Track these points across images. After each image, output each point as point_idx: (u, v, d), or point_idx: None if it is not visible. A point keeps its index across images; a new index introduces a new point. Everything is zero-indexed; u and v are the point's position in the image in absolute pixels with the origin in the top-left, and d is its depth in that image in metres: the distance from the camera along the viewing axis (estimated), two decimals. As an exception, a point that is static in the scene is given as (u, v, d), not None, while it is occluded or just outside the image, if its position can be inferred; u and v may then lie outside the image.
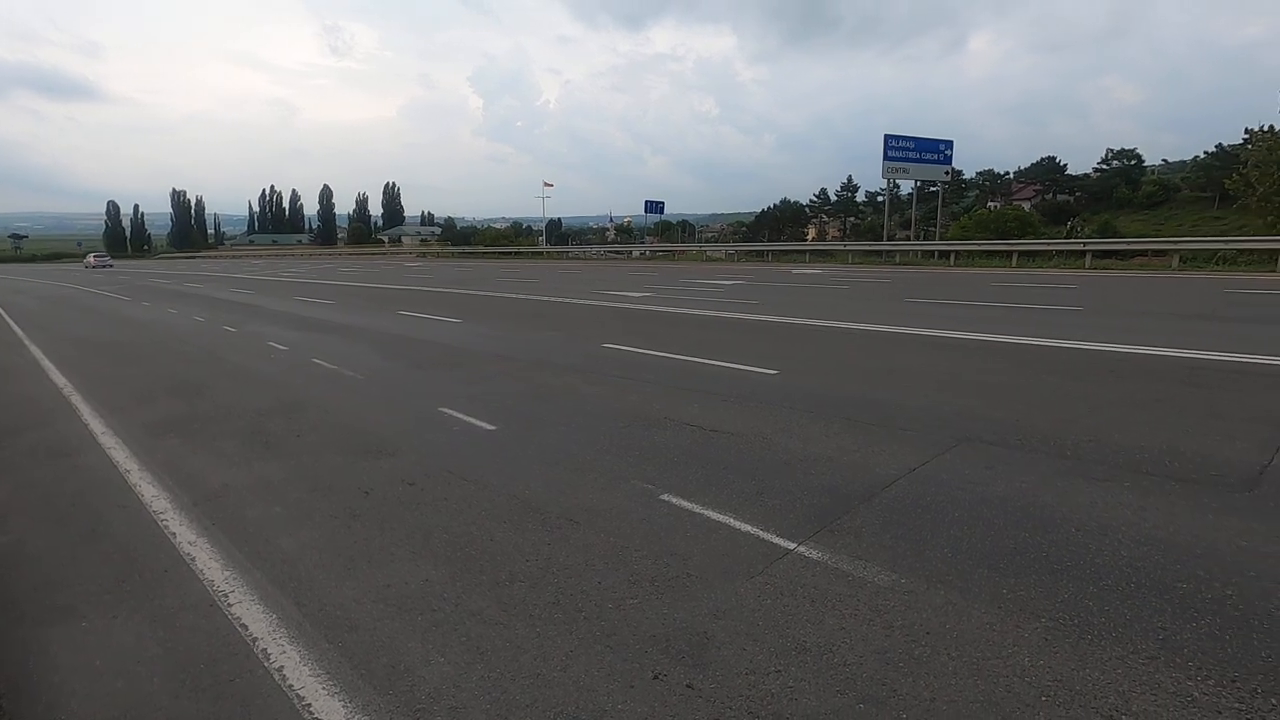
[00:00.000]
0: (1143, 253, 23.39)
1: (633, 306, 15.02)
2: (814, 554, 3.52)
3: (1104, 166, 67.60)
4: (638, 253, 46.11)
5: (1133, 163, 66.33)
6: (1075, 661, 2.60)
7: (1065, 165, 69.99)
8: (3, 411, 7.80)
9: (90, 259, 51.99)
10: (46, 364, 10.63)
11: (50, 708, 2.69)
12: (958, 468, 4.60)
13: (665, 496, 4.32)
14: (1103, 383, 6.74)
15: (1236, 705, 2.34)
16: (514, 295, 19.21)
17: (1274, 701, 2.34)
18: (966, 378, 7.28)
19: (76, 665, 2.95)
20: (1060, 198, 68.13)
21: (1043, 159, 71.24)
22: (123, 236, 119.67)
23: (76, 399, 8.05)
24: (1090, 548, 3.43)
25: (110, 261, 45.34)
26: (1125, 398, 6.15)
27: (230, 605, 3.33)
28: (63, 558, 3.98)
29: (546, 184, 54.74)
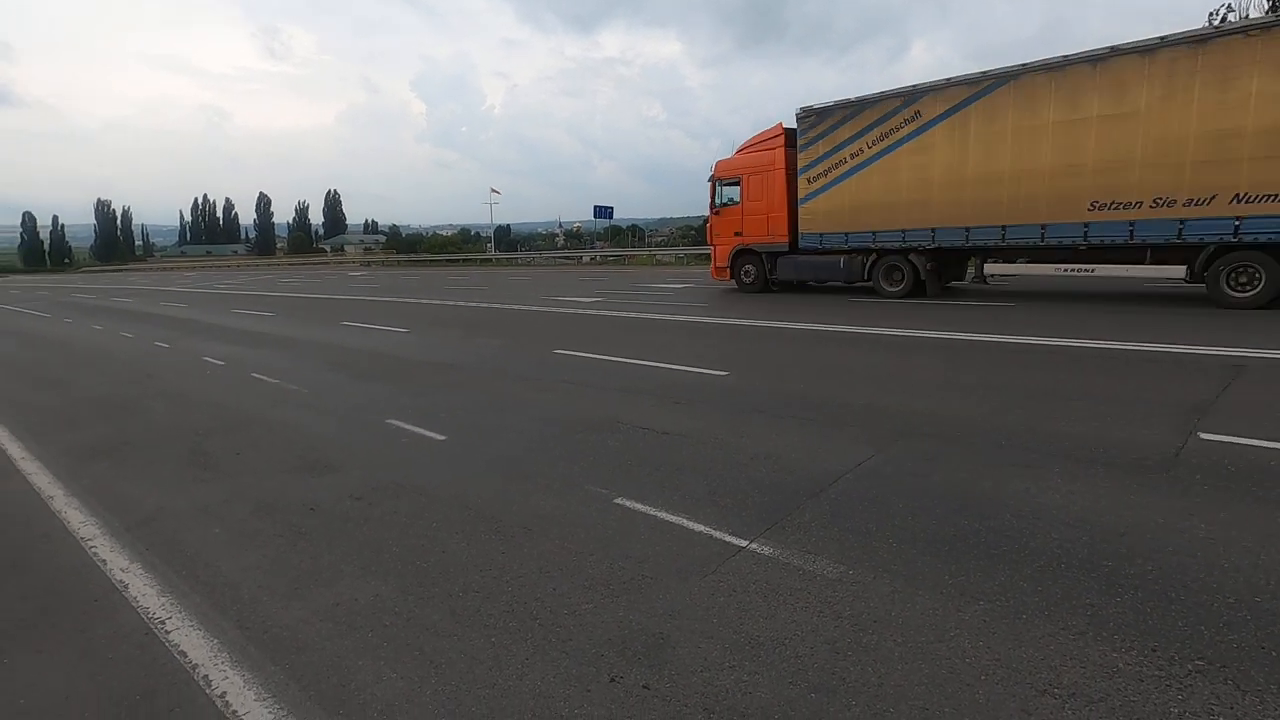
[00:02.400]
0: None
1: (584, 312, 15.00)
2: (765, 550, 3.59)
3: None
4: (588, 258, 46.06)
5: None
6: (1012, 641, 2.73)
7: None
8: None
9: None
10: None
11: (-31, 752, 2.53)
12: (900, 461, 4.76)
13: (619, 500, 4.33)
14: (1033, 374, 7.08)
15: (1157, 673, 2.49)
16: (463, 303, 18.95)
17: (1189, 668, 2.51)
18: (909, 373, 7.54)
19: (-2, 706, 2.78)
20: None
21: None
22: (41, 250, 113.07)
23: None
24: (1024, 531, 3.60)
25: None
26: (1057, 388, 6.47)
27: (168, 632, 3.19)
28: (-20, 593, 3.74)
29: (494, 190, 54.23)
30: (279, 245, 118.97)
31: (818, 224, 15.11)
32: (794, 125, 15.39)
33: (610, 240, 67.54)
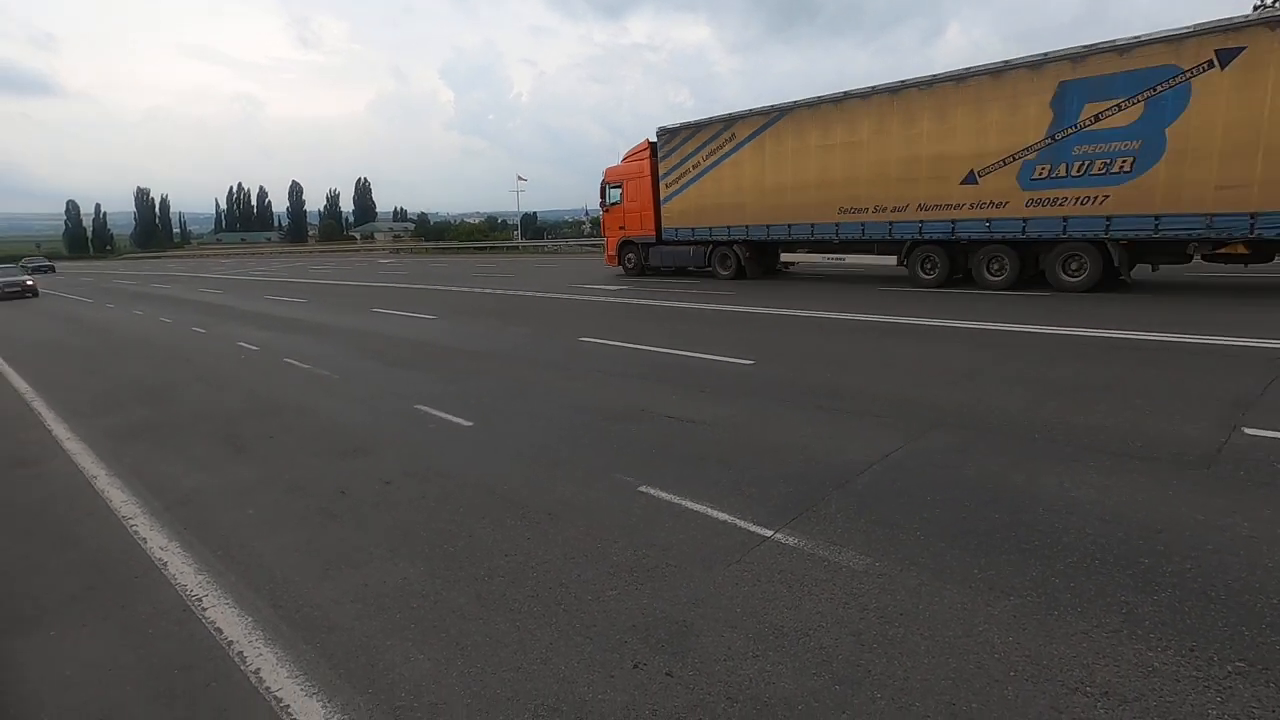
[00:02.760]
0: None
1: (609, 300, 15.01)
2: (791, 540, 3.57)
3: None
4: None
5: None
6: (1043, 637, 2.68)
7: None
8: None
9: None
10: (7, 369, 10.34)
11: (22, 718, 2.64)
12: (930, 452, 4.69)
13: (643, 488, 4.34)
14: (1068, 365, 6.90)
15: (1194, 674, 2.43)
16: (489, 290, 19.07)
17: (1229, 669, 2.44)
18: (940, 363, 7.41)
19: (46, 676, 2.89)
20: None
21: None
22: (84, 237, 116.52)
23: (39, 405, 7.85)
24: (1057, 526, 3.52)
25: (24, 281, 26.42)
26: (1091, 380, 6.30)
27: (205, 610, 3.28)
28: (29, 568, 3.89)
29: (520, 178, 54.32)
30: (310, 232, 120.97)
31: (674, 220, 18.46)
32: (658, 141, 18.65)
33: (637, 228, 67.26)
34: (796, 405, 6.05)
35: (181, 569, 3.70)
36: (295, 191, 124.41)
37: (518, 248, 48.84)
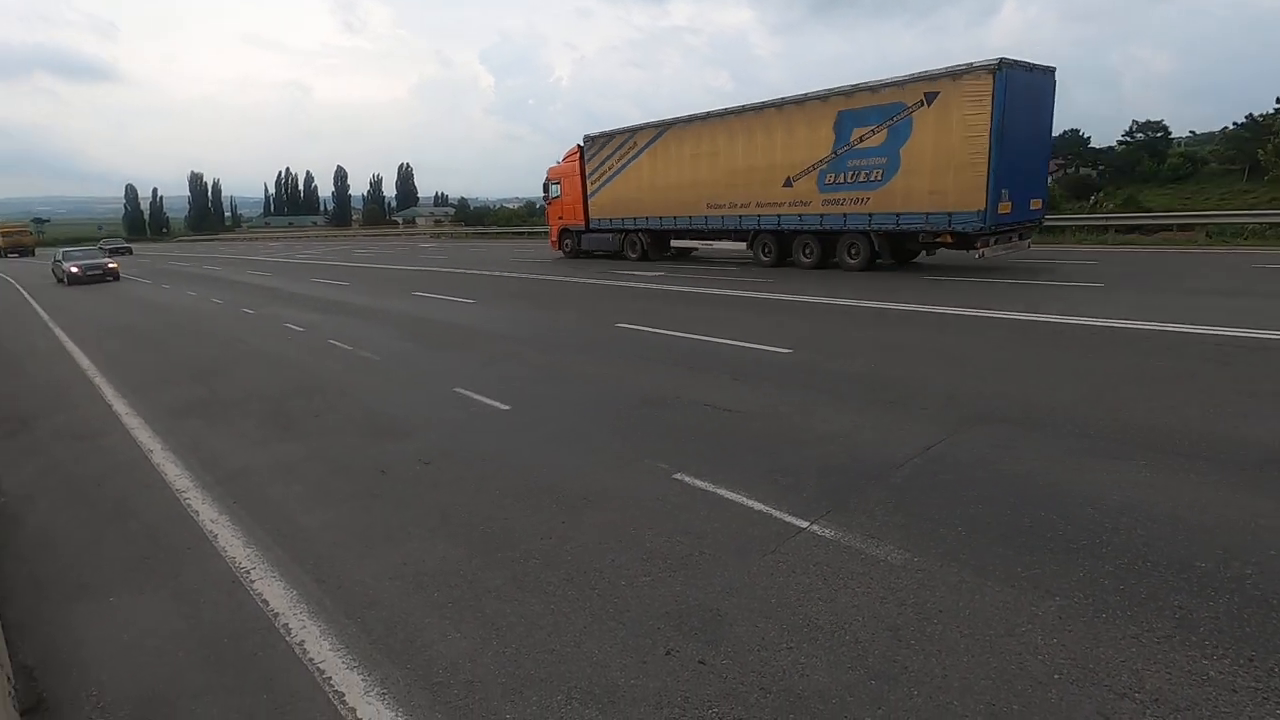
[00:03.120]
0: (1168, 227, 22.84)
1: (646, 286, 14.97)
2: (827, 532, 3.53)
3: (1129, 139, 65.83)
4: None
5: (1159, 135, 64.48)
6: (1090, 640, 2.59)
7: (1089, 138, 68.24)
8: (31, 394, 7.97)
9: (71, 265, 23.78)
10: (71, 347, 10.83)
11: (82, 680, 2.78)
12: (972, 446, 4.56)
13: (678, 475, 4.33)
14: (1122, 359, 6.64)
15: (1253, 684, 2.32)
16: (527, 275, 19.21)
17: (1292, 680, 2.33)
18: (983, 355, 7.21)
19: (105, 640, 3.04)
20: (1083, 171, 66.62)
21: (1065, 132, 69.46)
22: (141, 220, 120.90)
23: (100, 381, 8.20)
24: (1107, 526, 3.40)
25: (105, 264, 24.52)
26: (1145, 375, 6.05)
27: (252, 582, 3.40)
28: (89, 536, 4.09)
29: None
30: (354, 217, 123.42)
31: (598, 213, 21.80)
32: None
33: (674, 213, 66.83)
34: (837, 394, 5.95)
35: (231, 541, 3.84)
36: (340, 176, 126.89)
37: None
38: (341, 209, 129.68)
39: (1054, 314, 8.91)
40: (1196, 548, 3.16)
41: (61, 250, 26.47)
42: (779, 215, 16.43)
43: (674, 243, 20.25)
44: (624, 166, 20.28)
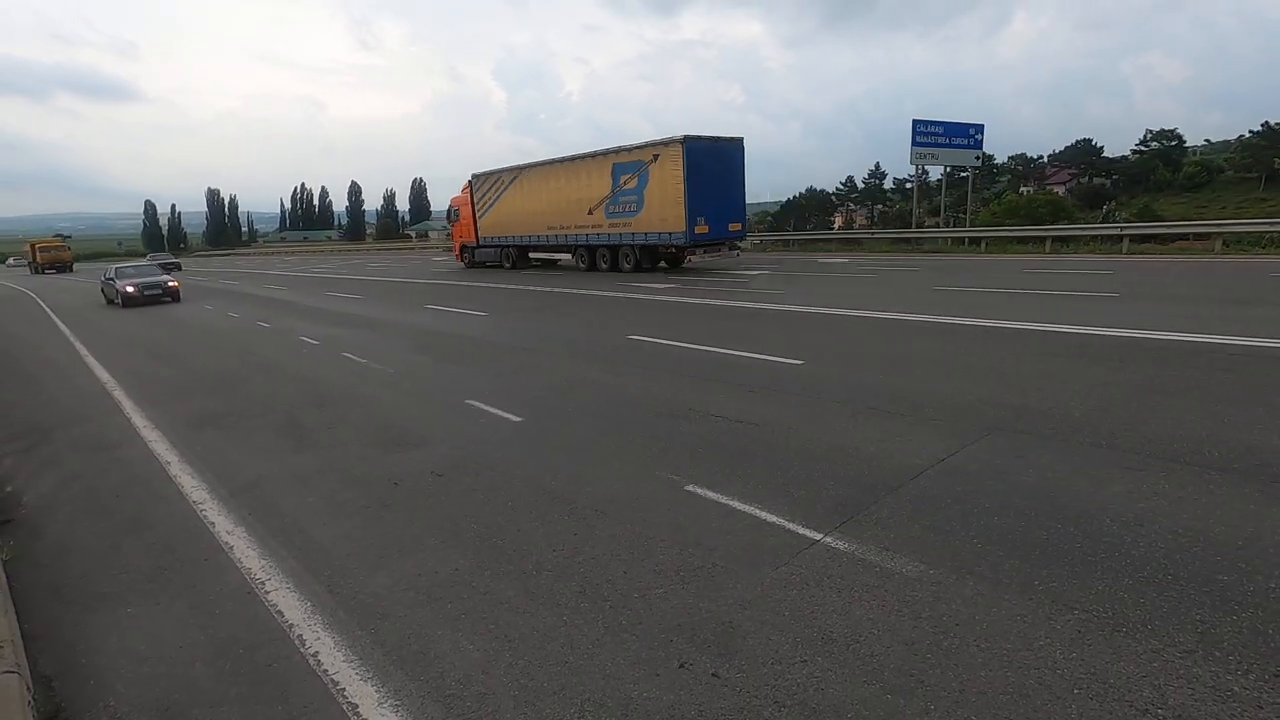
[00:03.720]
0: (1184, 236, 22.62)
1: (657, 298, 15.01)
2: (840, 545, 3.50)
3: (1143, 148, 65.39)
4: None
5: (1173, 143, 64.00)
6: (1109, 654, 2.55)
7: (1102, 147, 67.87)
8: (51, 406, 8.09)
9: (126, 285, 20.43)
10: (91, 360, 10.99)
11: (100, 690, 2.80)
12: (988, 457, 4.52)
13: (690, 487, 4.32)
14: (1139, 370, 6.57)
15: (1278, 700, 2.27)
16: (538, 288, 19.31)
17: (1319, 697, 2.28)
18: (997, 366, 7.15)
19: (122, 650, 3.06)
20: (1096, 181, 66.15)
21: (1078, 141, 69.22)
22: (160, 236, 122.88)
23: (119, 393, 8.32)
24: (1125, 539, 3.36)
25: (164, 281, 21.36)
26: (1163, 386, 5.98)
27: (267, 593, 3.42)
28: (107, 547, 4.13)
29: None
30: (368, 231, 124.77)
31: (484, 232, 28.36)
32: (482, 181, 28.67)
33: (685, 226, 67.12)
34: (850, 405, 5.92)
35: (246, 553, 3.87)
36: (354, 191, 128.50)
37: (567, 246, 49.34)
38: (356, 224, 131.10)
39: (1071, 324, 8.83)
40: (1218, 561, 3.11)
41: (114, 267, 22.83)
42: (586, 235, 23.11)
43: (531, 255, 26.85)
44: (497, 199, 27.19)
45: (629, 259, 21.72)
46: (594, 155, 22.30)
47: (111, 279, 21.34)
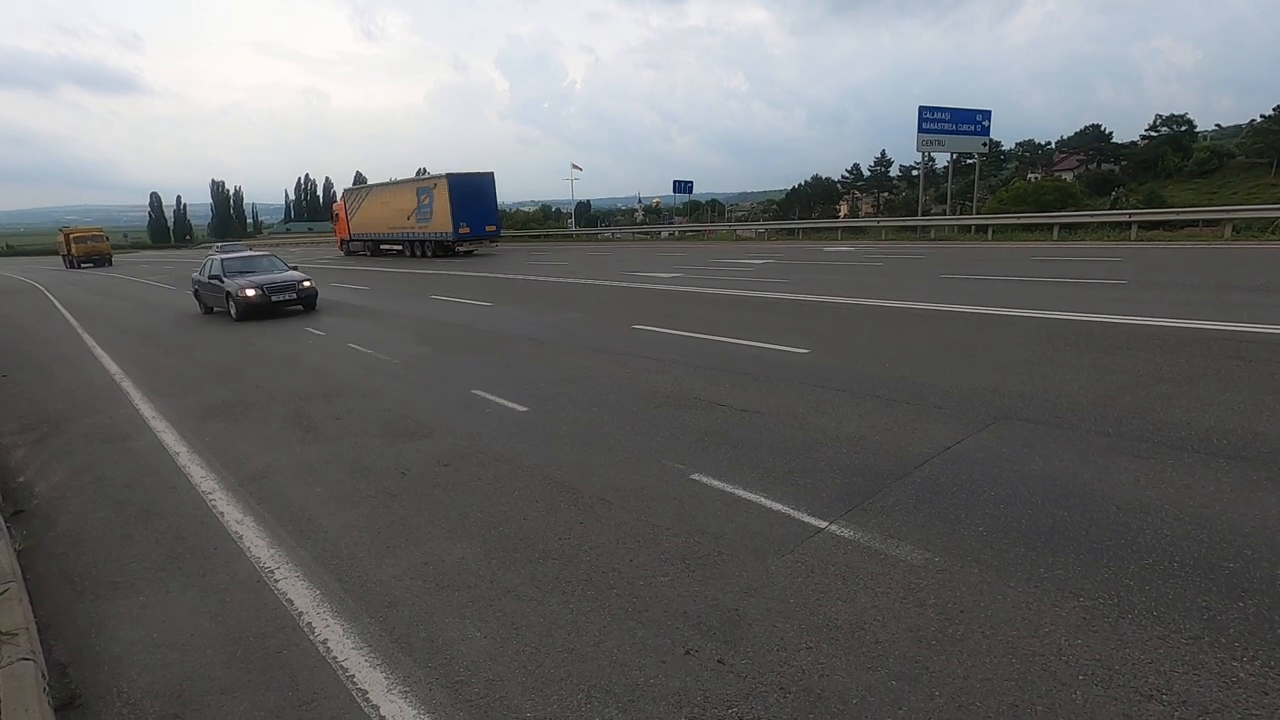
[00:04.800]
0: (1193, 223, 22.42)
1: (662, 287, 14.99)
2: (846, 532, 3.51)
3: (1152, 134, 64.72)
4: (667, 233, 45.81)
5: (1183, 129, 63.33)
6: (1115, 641, 2.56)
7: (1110, 133, 67.27)
8: (62, 397, 8.15)
9: (246, 286, 13.45)
10: (99, 352, 11.06)
11: (113, 676, 2.84)
12: (994, 446, 4.52)
13: (696, 476, 4.34)
14: (1147, 358, 6.53)
15: (1284, 686, 2.28)
16: (544, 278, 19.30)
17: (1324, 683, 2.28)
18: (1004, 354, 7.12)
19: (135, 638, 3.10)
20: (1105, 167, 65.58)
21: (1086, 128, 68.66)
22: (166, 228, 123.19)
23: (128, 385, 8.38)
24: (1131, 526, 3.35)
25: (299, 282, 14.07)
26: (1170, 373, 5.95)
27: (277, 581, 3.46)
28: (119, 536, 4.18)
29: (575, 166, 54.55)
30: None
31: (354, 231, 38.46)
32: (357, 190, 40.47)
33: (689, 215, 66.90)
34: (855, 394, 5.92)
35: (255, 542, 3.90)
36: (359, 182, 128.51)
37: (572, 236, 49.32)
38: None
39: (1077, 312, 8.78)
40: (1224, 548, 3.11)
41: (216, 258, 15.57)
42: (407, 233, 33.49)
43: (382, 246, 36.94)
44: (359, 208, 38.01)
45: (428, 250, 32.34)
46: (408, 182, 34.71)
47: (215, 278, 14.55)
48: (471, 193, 30.33)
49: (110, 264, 46.99)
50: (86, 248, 47.52)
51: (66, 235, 48.69)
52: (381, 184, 36.77)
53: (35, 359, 11.14)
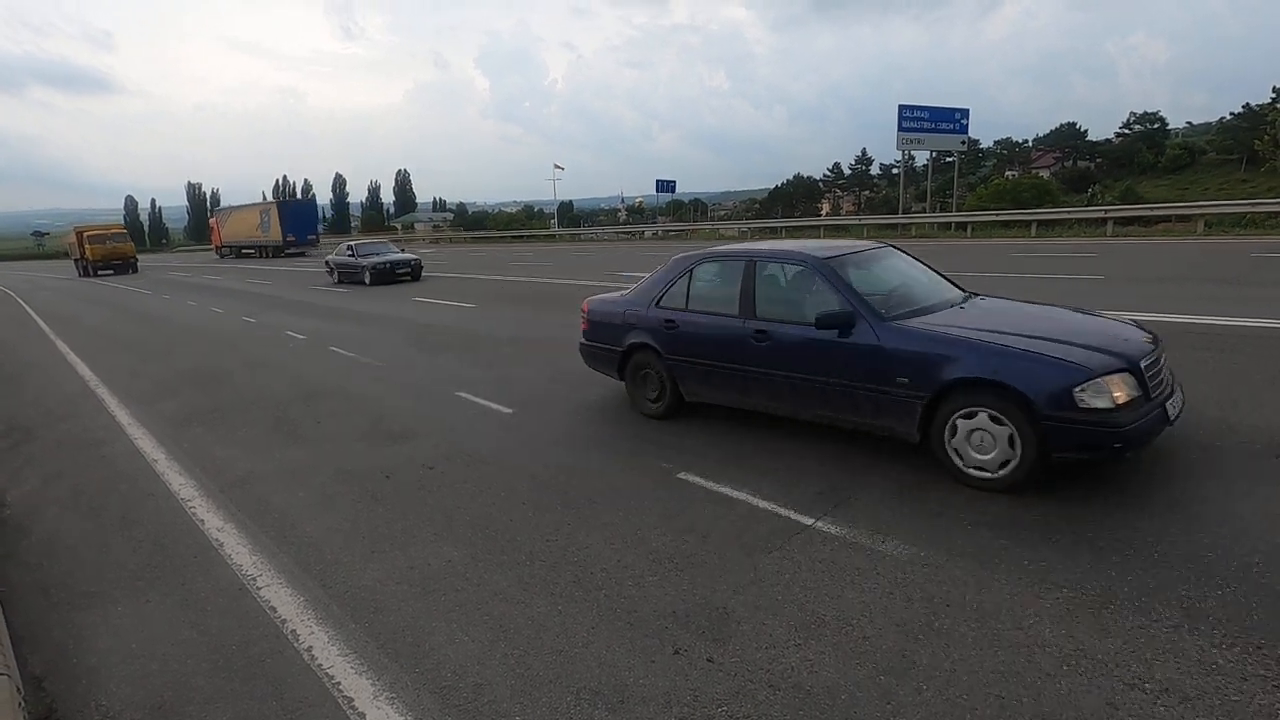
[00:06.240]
0: (1166, 218, 22.84)
1: (280, 267, 14.97)
2: (832, 529, 3.53)
3: (1126, 131, 65.81)
4: (650, 233, 45.83)
5: (1156, 126, 64.48)
6: (1097, 631, 2.59)
7: (1086, 131, 68.24)
8: (33, 404, 7.98)
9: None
10: (73, 358, 10.84)
11: (91, 689, 2.78)
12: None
13: (682, 475, 4.34)
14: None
15: (1262, 673, 2.32)
16: (527, 279, 19.22)
17: (1301, 668, 2.33)
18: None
19: (113, 648, 3.04)
20: (1080, 164, 66.54)
21: (1062, 125, 69.60)
22: (141, 231, 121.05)
23: (103, 391, 8.21)
24: (1111, 517, 3.40)
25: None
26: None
27: (259, 589, 3.40)
28: (95, 545, 4.09)
29: (557, 166, 54.70)
30: (354, 224, 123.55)
31: (225, 239, 50.86)
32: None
33: (673, 215, 66.98)
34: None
35: (237, 549, 3.84)
36: (339, 184, 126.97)
37: (554, 236, 49.19)
38: (340, 216, 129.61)
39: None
40: (1201, 538, 3.16)
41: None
42: (257, 241, 45.09)
43: (243, 250, 47.38)
44: (226, 223, 50.48)
45: (269, 253, 43.84)
46: (255, 205, 48.77)
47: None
48: (296, 212, 46.20)
49: (135, 270, 37.35)
50: (106, 249, 36.74)
51: (80, 234, 37.92)
52: (238, 206, 52.03)
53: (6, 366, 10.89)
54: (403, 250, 22.28)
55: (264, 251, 44.88)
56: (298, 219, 44.78)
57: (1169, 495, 3.59)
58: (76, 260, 39.14)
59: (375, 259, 20.11)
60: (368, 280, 19.53)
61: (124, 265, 37.26)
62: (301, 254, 42.29)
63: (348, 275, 20.69)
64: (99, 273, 36.25)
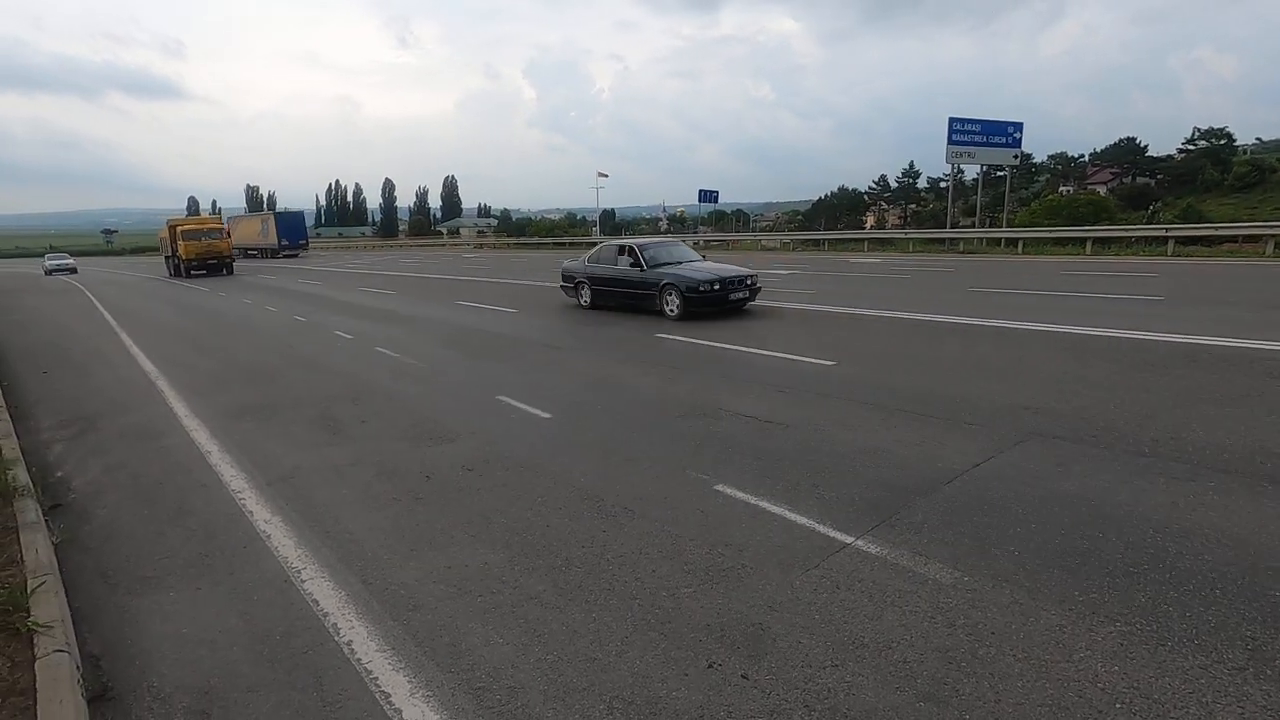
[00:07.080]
0: (1233, 238, 21.83)
1: (281, 264, 14.94)
2: (872, 548, 3.46)
3: (1190, 147, 63.25)
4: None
5: (1222, 142, 61.81)
6: (1153, 669, 2.48)
7: (1146, 146, 65.79)
8: (98, 395, 8.36)
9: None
10: (135, 351, 11.33)
11: (144, 671, 2.89)
12: (1025, 463, 4.42)
13: (719, 487, 4.31)
14: (1185, 377, 6.36)
15: (1335, 722, 2.19)
16: (266, 265, 19.41)
17: (1379, 720, 2.18)
18: (1034, 370, 6.98)
19: (165, 633, 3.15)
20: (1140, 181, 64.21)
21: (1121, 140, 67.29)
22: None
23: (162, 383, 8.57)
24: (1170, 550, 3.25)
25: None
26: (1210, 393, 5.78)
27: (303, 581, 3.49)
28: (152, 533, 4.26)
29: (601, 174, 55.62)
30: (401, 228, 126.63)
31: (236, 242, 41.47)
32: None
33: (714, 225, 66.84)
34: (882, 407, 5.84)
35: (283, 542, 3.95)
36: (388, 188, 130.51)
37: (597, 244, 49.70)
38: (389, 220, 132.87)
39: (1112, 328, 8.59)
40: (1269, 576, 3.00)
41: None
42: (259, 244, 55.91)
43: (249, 251, 53.06)
44: (235, 227, 50.34)
45: (270, 254, 52.22)
46: (256, 215, 62.82)
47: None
48: (288, 221, 57.59)
49: (230, 271, 33.41)
50: (200, 246, 32.02)
51: (173, 228, 33.37)
52: (245, 215, 65.00)
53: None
54: (704, 256, 13.03)
55: (264, 253, 55.94)
56: (289, 227, 57.29)
57: (1235, 529, 3.42)
58: (168, 258, 34.95)
59: (698, 274, 11.24)
60: (674, 310, 11.17)
61: (219, 265, 32.92)
62: (295, 255, 54.35)
63: (620, 296, 12.32)
64: (192, 273, 31.91)
